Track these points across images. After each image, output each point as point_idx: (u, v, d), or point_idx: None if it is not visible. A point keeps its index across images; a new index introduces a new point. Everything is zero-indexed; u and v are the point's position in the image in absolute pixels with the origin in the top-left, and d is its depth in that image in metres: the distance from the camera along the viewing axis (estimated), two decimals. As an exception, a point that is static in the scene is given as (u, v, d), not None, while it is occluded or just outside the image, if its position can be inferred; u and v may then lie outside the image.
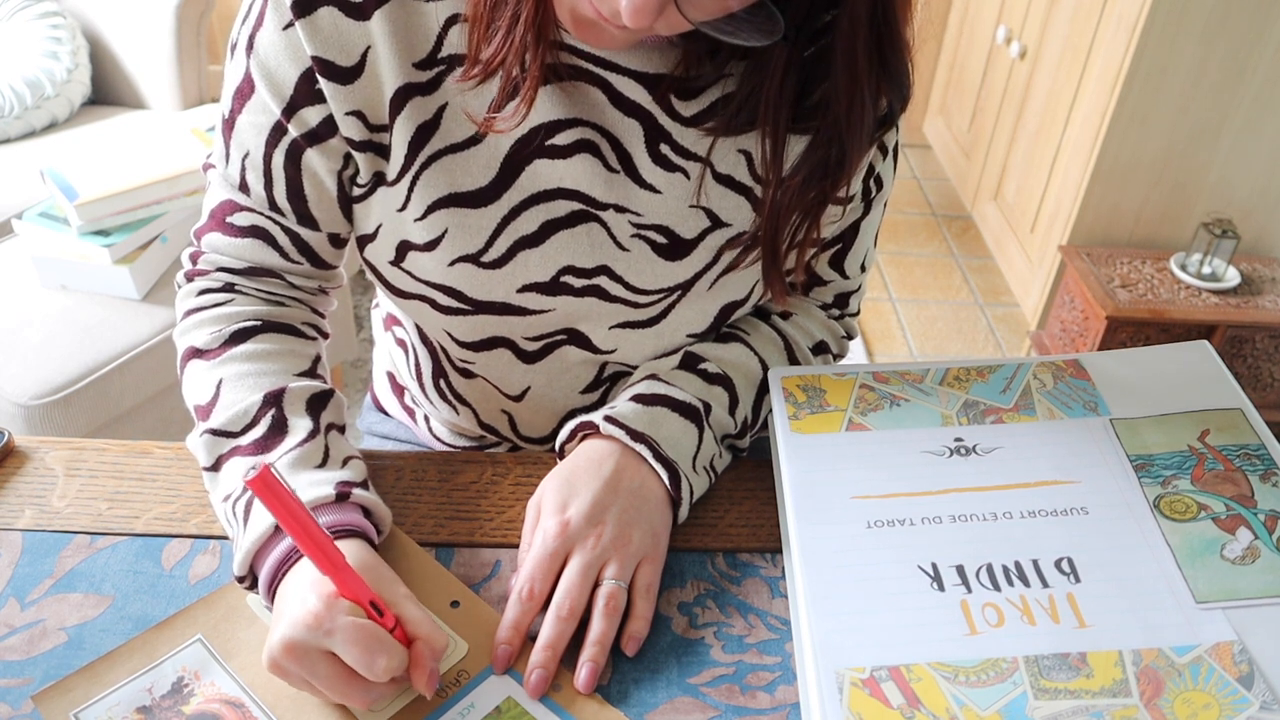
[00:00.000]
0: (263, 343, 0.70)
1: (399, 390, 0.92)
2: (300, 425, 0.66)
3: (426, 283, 0.70)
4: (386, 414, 0.97)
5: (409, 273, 0.70)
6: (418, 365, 0.84)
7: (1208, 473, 0.64)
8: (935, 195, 3.01)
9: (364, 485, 0.65)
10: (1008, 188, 2.59)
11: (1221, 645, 0.55)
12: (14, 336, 1.48)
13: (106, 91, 2.18)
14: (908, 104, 0.67)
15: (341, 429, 0.69)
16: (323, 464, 0.65)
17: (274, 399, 0.66)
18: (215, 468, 0.66)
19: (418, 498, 0.71)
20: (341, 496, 0.62)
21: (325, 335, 0.77)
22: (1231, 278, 2.09)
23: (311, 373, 0.71)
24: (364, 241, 0.72)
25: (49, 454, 0.74)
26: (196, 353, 0.70)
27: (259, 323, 0.71)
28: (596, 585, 0.62)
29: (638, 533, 0.64)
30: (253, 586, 0.62)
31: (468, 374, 0.79)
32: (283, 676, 0.55)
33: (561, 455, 0.72)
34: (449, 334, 0.74)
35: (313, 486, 0.62)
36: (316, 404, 0.68)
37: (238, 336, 0.70)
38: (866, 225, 0.78)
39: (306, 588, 0.56)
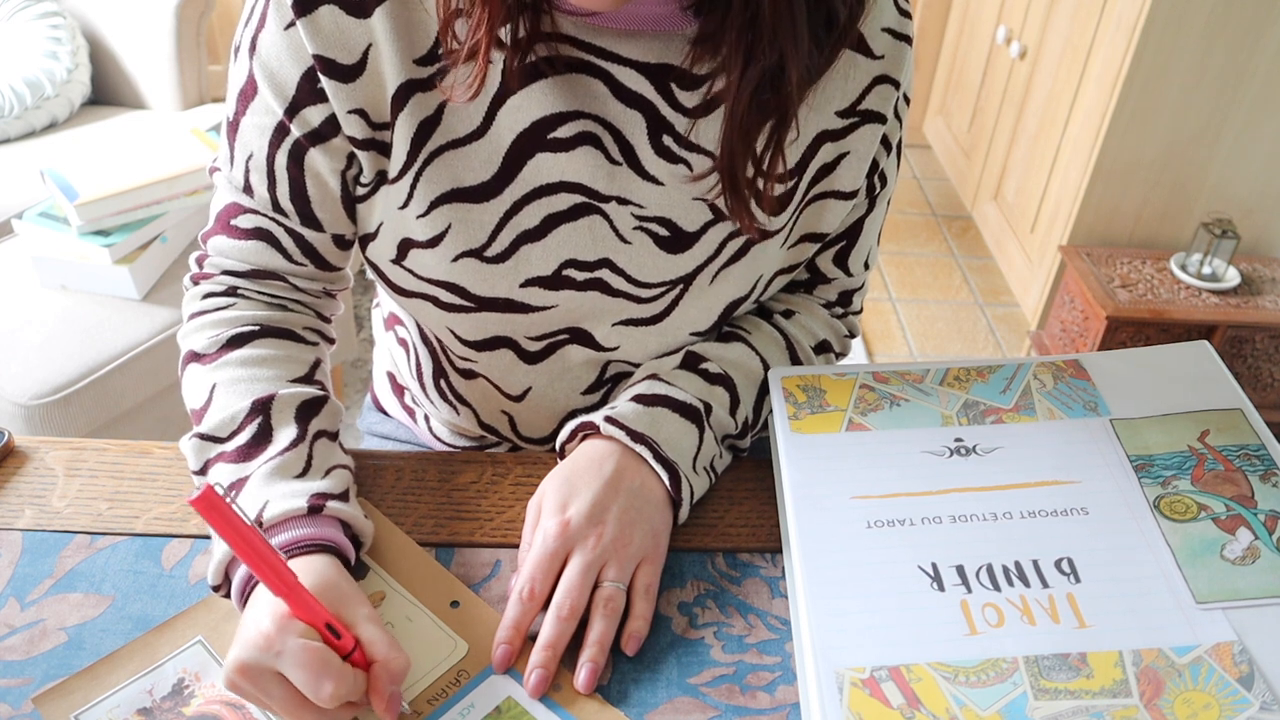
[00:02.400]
0: (259, 348, 0.70)
1: (399, 390, 0.92)
2: (284, 434, 0.66)
3: (429, 280, 0.70)
4: (386, 414, 0.97)
5: (411, 270, 0.70)
6: (418, 365, 0.84)
7: (1208, 473, 0.64)
8: (935, 195, 3.01)
9: (343, 497, 0.64)
10: (1008, 188, 2.59)
11: (1221, 645, 0.55)
12: (14, 336, 1.48)
13: (106, 91, 2.18)
14: (862, 8, 0.63)
15: (333, 436, 0.69)
16: (303, 474, 0.64)
17: (261, 406, 0.66)
18: (202, 472, 0.66)
19: (418, 498, 0.71)
20: (314, 509, 0.62)
21: (330, 340, 0.77)
22: (1231, 278, 2.09)
23: (308, 379, 0.71)
24: (366, 240, 0.72)
25: (49, 454, 0.74)
26: (195, 356, 0.70)
27: (257, 328, 0.71)
28: (596, 586, 0.62)
29: (638, 533, 0.64)
30: (229, 594, 0.62)
31: (469, 374, 0.79)
32: (241, 695, 0.55)
33: (562, 455, 0.72)
34: (452, 332, 0.74)
35: (285, 499, 0.62)
36: (307, 411, 0.68)
37: (235, 341, 0.70)
38: (870, 222, 0.78)
39: (263, 608, 0.55)
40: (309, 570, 0.58)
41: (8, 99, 1.96)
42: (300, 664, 0.53)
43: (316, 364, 0.73)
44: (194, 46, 2.09)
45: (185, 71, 2.09)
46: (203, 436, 0.66)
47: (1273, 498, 0.62)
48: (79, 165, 1.57)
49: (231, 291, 0.72)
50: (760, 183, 0.66)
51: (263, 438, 0.65)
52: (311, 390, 0.69)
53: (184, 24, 2.05)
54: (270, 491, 0.62)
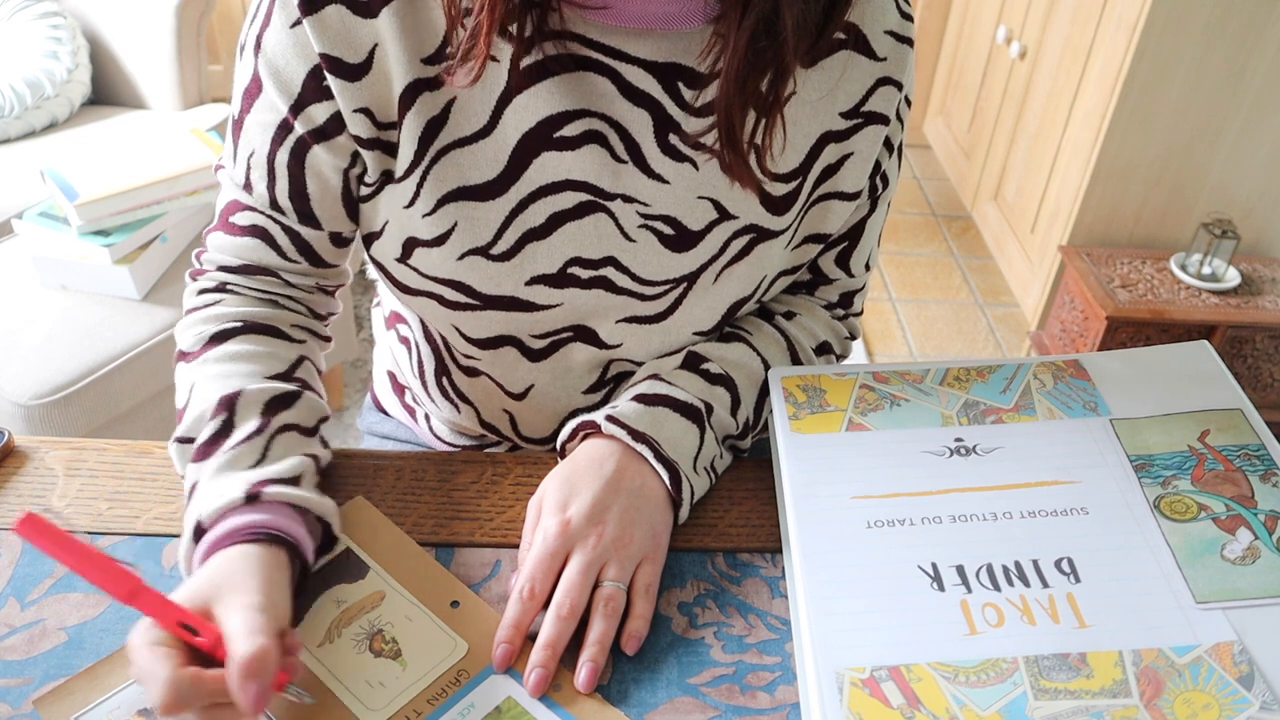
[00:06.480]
0: (241, 344, 0.69)
1: (400, 389, 0.92)
2: (244, 428, 0.64)
3: (434, 278, 0.70)
4: (387, 414, 0.97)
5: (416, 269, 0.70)
6: (420, 363, 0.84)
7: (1208, 473, 0.64)
8: (935, 195, 3.01)
9: (291, 482, 0.62)
10: (1008, 188, 2.59)
11: (1221, 645, 0.55)
12: (14, 336, 1.48)
13: (106, 91, 2.18)
14: None
15: (308, 430, 0.68)
16: (256, 465, 0.63)
17: (228, 403, 0.65)
18: (184, 474, 0.66)
19: (418, 498, 0.71)
20: (251, 497, 0.60)
21: (322, 338, 0.76)
22: (1231, 278, 2.09)
23: (287, 375, 0.70)
24: (370, 239, 0.72)
25: (49, 454, 0.74)
26: (181, 355, 0.71)
27: (240, 324, 0.71)
28: (596, 586, 0.62)
29: (638, 533, 0.64)
30: None
31: (472, 372, 0.79)
32: None
33: (562, 454, 0.72)
34: (457, 330, 0.74)
35: (226, 492, 0.60)
36: (275, 405, 0.66)
37: (217, 338, 0.70)
38: (872, 223, 0.78)
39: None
40: (219, 562, 0.56)
41: (8, 99, 1.96)
42: (139, 677, 0.51)
43: (299, 361, 0.72)
44: (194, 46, 2.09)
45: (185, 71, 2.09)
46: (179, 439, 0.66)
47: (1273, 498, 0.62)
48: (79, 165, 1.58)
49: (221, 287, 0.73)
50: (760, 138, 0.64)
51: (223, 434, 0.64)
52: (285, 386, 0.68)
53: (184, 24, 2.05)
54: (216, 486, 0.61)
